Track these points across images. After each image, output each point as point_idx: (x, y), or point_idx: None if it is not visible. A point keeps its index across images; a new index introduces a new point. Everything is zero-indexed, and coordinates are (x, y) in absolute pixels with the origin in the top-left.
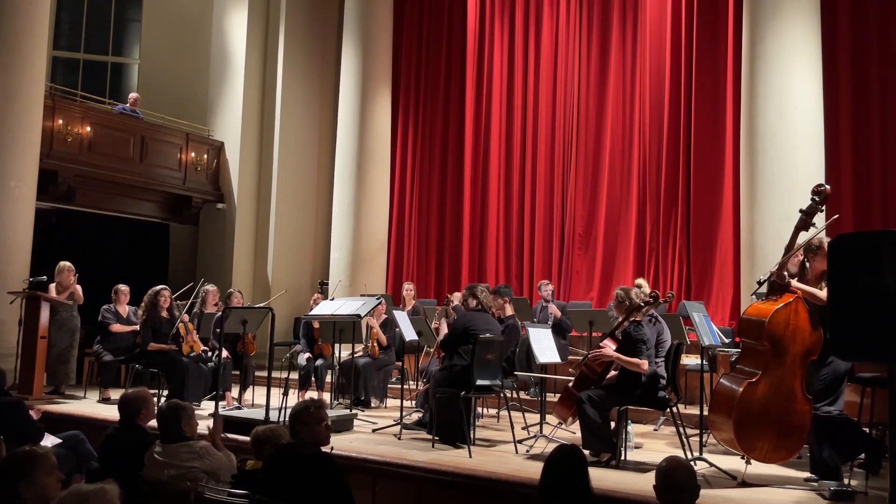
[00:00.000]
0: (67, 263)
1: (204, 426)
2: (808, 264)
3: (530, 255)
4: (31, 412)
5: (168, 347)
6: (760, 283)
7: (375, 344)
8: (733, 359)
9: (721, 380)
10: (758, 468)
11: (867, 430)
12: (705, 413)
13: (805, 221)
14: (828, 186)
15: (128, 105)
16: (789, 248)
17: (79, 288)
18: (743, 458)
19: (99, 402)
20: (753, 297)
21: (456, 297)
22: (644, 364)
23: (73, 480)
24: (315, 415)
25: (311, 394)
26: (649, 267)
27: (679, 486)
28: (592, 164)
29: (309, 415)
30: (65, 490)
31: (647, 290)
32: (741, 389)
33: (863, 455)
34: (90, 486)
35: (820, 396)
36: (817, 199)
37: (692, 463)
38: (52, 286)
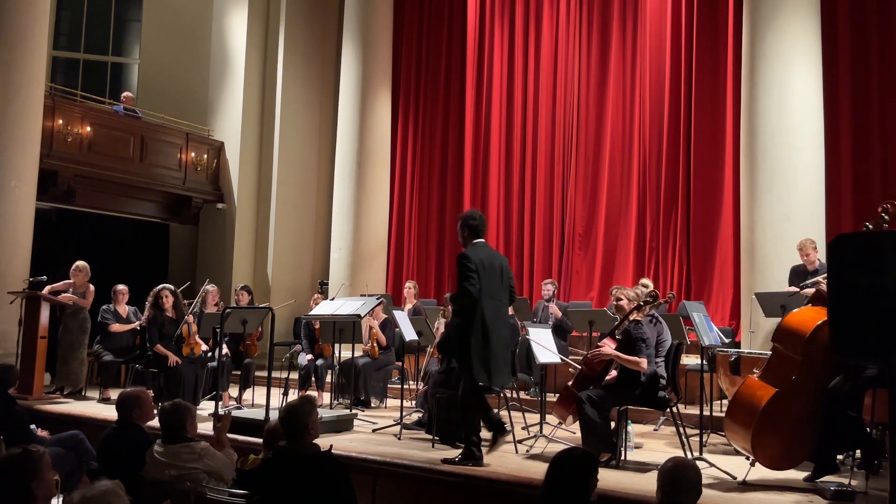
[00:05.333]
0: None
1: (207, 425)
2: None
3: (530, 255)
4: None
5: (175, 360)
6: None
7: (375, 345)
8: (732, 359)
9: (745, 385)
10: (757, 468)
11: (867, 430)
12: (705, 413)
13: None
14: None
15: (121, 105)
16: None
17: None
18: (748, 458)
19: (99, 402)
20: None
21: None
22: (643, 362)
23: (73, 480)
24: (313, 411)
25: (311, 394)
26: (649, 267)
27: (685, 486)
28: (592, 164)
29: (310, 412)
30: (67, 489)
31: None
32: (765, 400)
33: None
34: (104, 484)
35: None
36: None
37: None
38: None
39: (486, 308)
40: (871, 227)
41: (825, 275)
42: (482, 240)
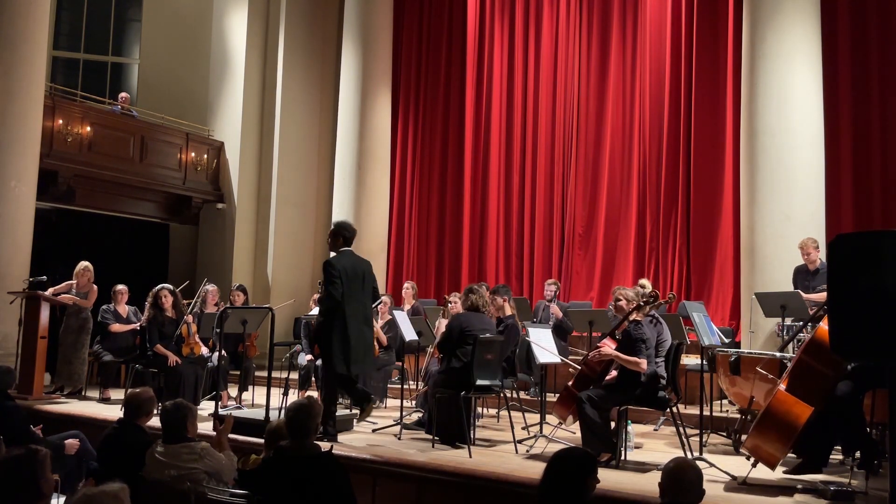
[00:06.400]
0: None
1: (208, 426)
2: None
3: (530, 255)
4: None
5: (175, 360)
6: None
7: (375, 344)
8: (732, 359)
9: (777, 400)
10: (758, 468)
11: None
12: (705, 413)
13: None
14: None
15: (118, 105)
16: None
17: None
18: (748, 458)
19: (99, 401)
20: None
21: (454, 298)
22: (643, 363)
23: (73, 480)
24: (321, 412)
25: (311, 394)
26: (649, 267)
27: (687, 487)
28: (592, 164)
29: (319, 413)
30: (67, 489)
31: (650, 290)
32: (804, 419)
33: (859, 454)
34: (110, 486)
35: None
36: None
37: None
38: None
39: (348, 309)
40: None
41: None
42: (349, 248)
